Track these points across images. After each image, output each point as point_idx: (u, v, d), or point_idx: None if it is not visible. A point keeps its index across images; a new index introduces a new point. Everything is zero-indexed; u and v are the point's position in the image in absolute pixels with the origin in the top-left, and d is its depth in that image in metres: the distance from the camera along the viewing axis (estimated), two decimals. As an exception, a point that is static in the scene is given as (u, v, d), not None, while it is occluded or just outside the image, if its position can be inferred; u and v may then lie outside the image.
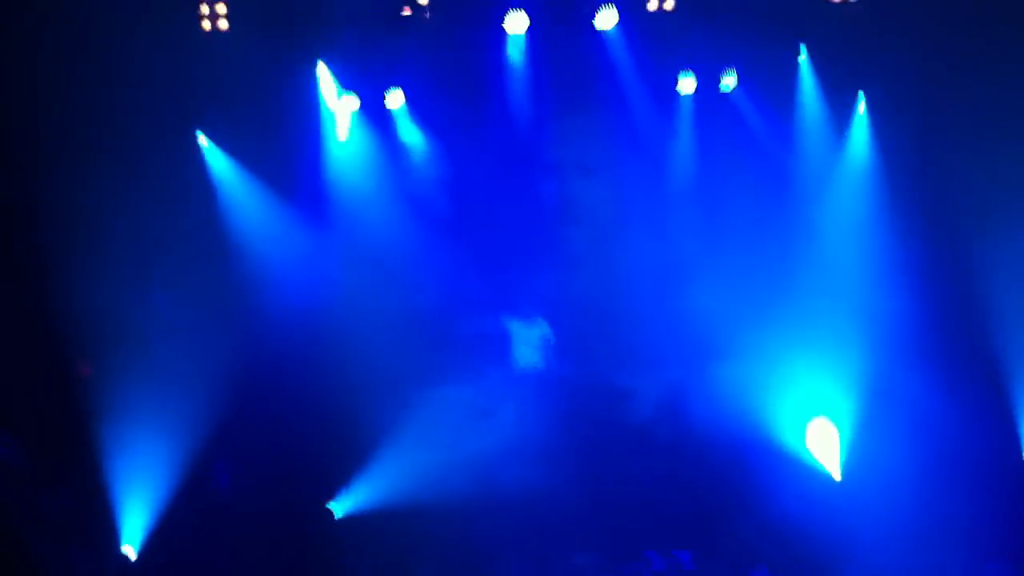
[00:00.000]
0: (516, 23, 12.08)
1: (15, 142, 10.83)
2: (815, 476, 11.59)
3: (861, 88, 12.46)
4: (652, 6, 12.23)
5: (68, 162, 10.99)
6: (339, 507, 11.39)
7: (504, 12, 11.97)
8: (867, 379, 11.60)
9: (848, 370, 11.66)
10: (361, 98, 12.18)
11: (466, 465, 11.20)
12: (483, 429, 11.37)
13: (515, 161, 12.76)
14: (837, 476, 11.62)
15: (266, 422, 11.54)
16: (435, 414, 11.40)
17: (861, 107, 12.48)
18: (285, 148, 11.89)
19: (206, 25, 11.37)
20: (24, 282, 10.85)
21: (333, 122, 12.05)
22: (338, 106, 12.04)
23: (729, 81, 12.74)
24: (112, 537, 10.66)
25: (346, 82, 12.03)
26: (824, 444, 11.67)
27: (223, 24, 11.39)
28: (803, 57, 12.53)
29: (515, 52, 12.35)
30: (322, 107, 12.03)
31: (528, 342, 12.18)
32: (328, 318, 11.72)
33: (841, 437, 11.69)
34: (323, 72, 11.96)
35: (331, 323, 11.70)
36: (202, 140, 11.79)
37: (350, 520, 11.42)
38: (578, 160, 12.68)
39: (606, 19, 12.24)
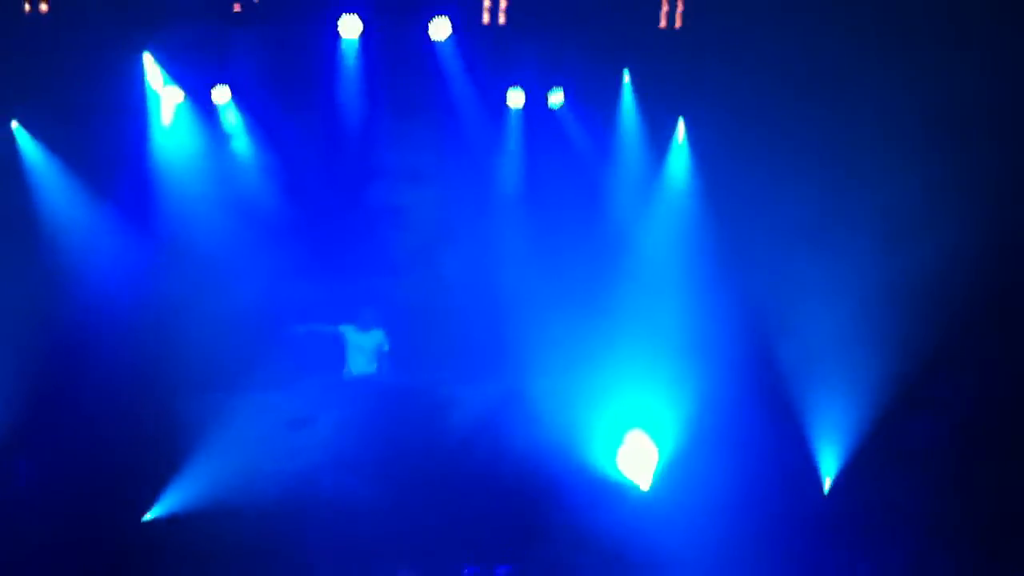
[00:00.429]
0: (350, 27, 12.02)
1: None
2: (628, 490, 11.85)
3: (681, 113, 12.95)
4: (485, 19, 12.34)
5: None
6: (147, 511, 11.02)
7: (338, 15, 11.89)
8: (685, 394, 11.84)
9: (666, 385, 11.88)
10: (186, 91, 11.89)
11: (282, 473, 10.92)
12: (301, 437, 11.18)
13: (344, 164, 12.64)
14: (645, 488, 11.90)
15: (73, 422, 11.05)
16: (253, 419, 11.13)
17: (680, 130, 12.94)
18: (106, 139, 11.42)
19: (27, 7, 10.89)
20: None
21: (158, 113, 11.71)
22: (163, 95, 11.72)
23: (556, 98, 13.05)
24: None
25: (172, 74, 11.72)
26: (638, 458, 11.95)
27: (43, 7, 10.93)
28: (627, 80, 12.92)
29: (348, 56, 12.29)
30: (147, 98, 11.68)
31: (363, 349, 12.09)
32: (144, 315, 11.28)
33: (657, 450, 12.01)
34: (149, 62, 11.62)
35: (148, 320, 11.28)
36: (16, 128, 11.29)
37: (158, 525, 11.05)
38: (407, 166, 12.59)
39: (439, 30, 12.33)
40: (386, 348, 12.20)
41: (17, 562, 10.58)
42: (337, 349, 12.11)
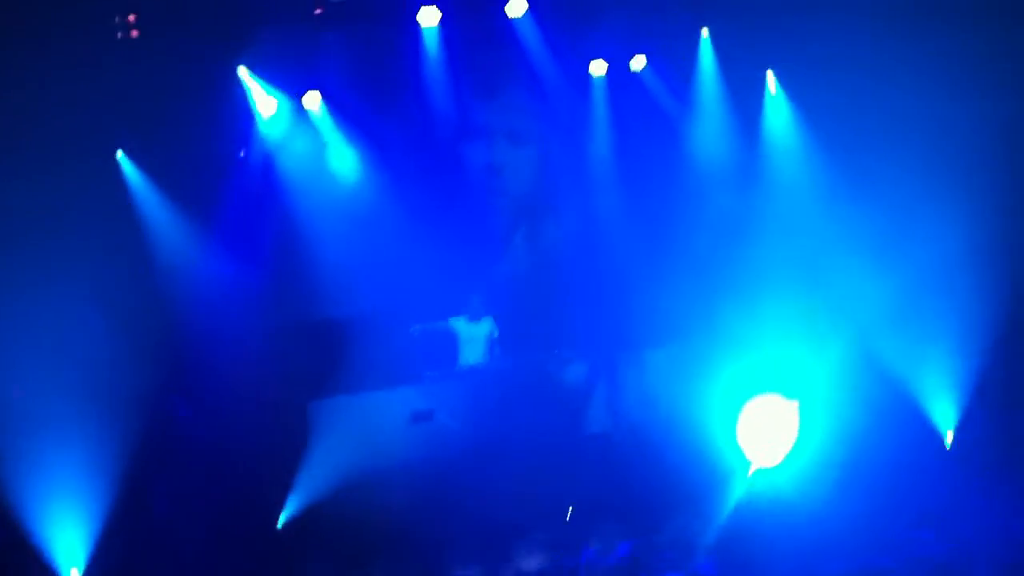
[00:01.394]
0: (429, 16, 12.01)
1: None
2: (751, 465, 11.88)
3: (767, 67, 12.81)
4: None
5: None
6: (281, 511, 11.35)
7: (417, 7, 11.88)
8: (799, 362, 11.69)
9: (782, 351, 11.65)
10: (281, 99, 11.99)
11: (408, 466, 11.27)
12: (423, 430, 11.44)
13: (438, 149, 12.77)
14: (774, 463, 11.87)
15: (206, 430, 11.38)
16: (376, 417, 11.41)
17: (771, 82, 12.78)
18: (210, 155, 11.54)
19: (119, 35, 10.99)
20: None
21: (257, 124, 11.89)
22: (260, 106, 11.89)
23: (638, 63, 12.98)
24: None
25: (265, 83, 11.85)
26: (766, 430, 11.92)
27: (134, 33, 11.00)
28: (705, 37, 12.79)
29: (430, 44, 12.31)
30: (245, 111, 11.81)
31: (474, 340, 12.23)
32: (261, 325, 11.61)
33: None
34: (244, 75, 11.72)
35: (264, 330, 11.59)
36: (120, 158, 11.47)
37: (293, 522, 11.38)
38: (502, 134, 12.94)
39: (516, 6, 12.27)
40: (496, 335, 12.31)
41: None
42: (450, 343, 12.25)
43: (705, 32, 12.82)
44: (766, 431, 11.21)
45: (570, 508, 11.36)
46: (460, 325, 12.23)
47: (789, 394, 11.35)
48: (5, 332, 10.12)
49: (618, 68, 12.96)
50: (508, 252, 13.24)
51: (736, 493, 10.92)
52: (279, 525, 11.13)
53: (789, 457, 11.20)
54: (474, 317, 12.25)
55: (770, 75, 12.83)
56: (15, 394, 10.48)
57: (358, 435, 11.30)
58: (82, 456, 10.33)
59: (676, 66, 12.96)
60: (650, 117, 13.09)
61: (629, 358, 12.02)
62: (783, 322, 11.62)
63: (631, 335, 12.13)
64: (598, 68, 12.93)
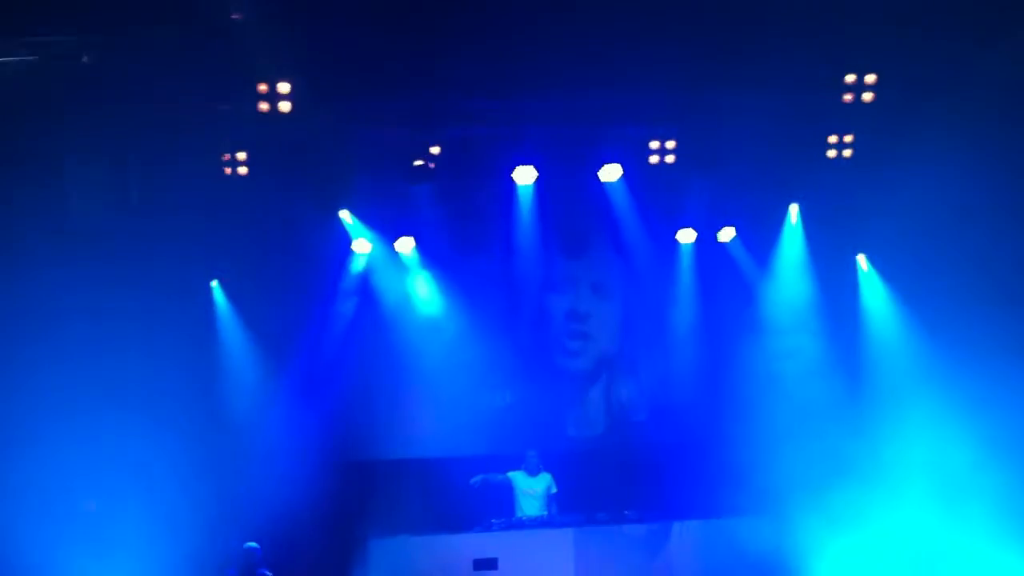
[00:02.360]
0: (525, 176, 12.39)
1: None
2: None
3: (852, 244, 12.87)
4: (654, 160, 12.55)
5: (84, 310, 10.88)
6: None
7: (514, 164, 12.28)
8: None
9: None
10: (376, 242, 12.47)
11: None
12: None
13: (524, 299, 13.12)
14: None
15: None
16: (439, 559, 11.32)
17: (863, 263, 12.87)
18: (300, 292, 12.02)
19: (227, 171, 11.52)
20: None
21: (352, 265, 12.30)
22: (355, 248, 12.34)
23: (726, 235, 13.16)
24: None
25: (364, 226, 12.33)
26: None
27: (242, 170, 11.51)
28: (794, 213, 12.93)
29: (523, 200, 12.67)
30: (343, 251, 12.29)
31: (533, 494, 12.16)
32: (332, 461, 11.77)
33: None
34: (346, 217, 12.21)
35: (335, 466, 11.75)
36: (215, 287, 11.93)
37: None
38: (587, 286, 13.28)
39: (610, 173, 12.61)
40: (554, 490, 12.17)
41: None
42: (508, 495, 12.19)
43: (793, 208, 12.95)
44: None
45: None
46: (518, 478, 12.19)
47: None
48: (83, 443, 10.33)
49: (706, 238, 13.16)
50: (583, 409, 13.33)
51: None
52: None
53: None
54: (533, 471, 12.19)
55: (862, 258, 12.84)
56: (89, 507, 10.69)
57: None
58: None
59: (764, 241, 13.08)
60: (735, 288, 13.17)
61: (701, 524, 11.75)
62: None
63: (702, 501, 11.92)
64: (686, 236, 13.15)
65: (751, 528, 11.73)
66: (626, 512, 11.85)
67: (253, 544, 10.96)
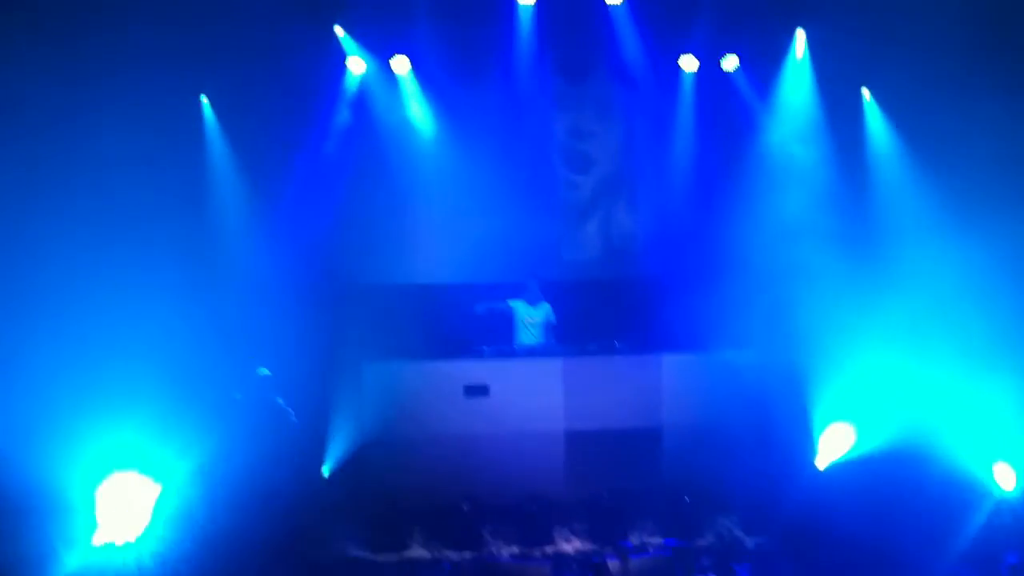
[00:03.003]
0: (526, -9, 11.89)
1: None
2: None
3: (861, 75, 12.45)
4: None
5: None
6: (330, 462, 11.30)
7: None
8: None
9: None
10: (370, 60, 12.01)
11: (457, 441, 11.04)
12: (476, 403, 11.37)
13: (522, 126, 12.74)
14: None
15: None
16: (432, 385, 11.37)
17: (866, 95, 12.42)
18: (294, 112, 11.57)
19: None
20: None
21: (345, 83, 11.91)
22: (350, 66, 11.92)
23: (730, 63, 12.77)
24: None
25: (357, 44, 11.85)
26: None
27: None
28: (800, 40, 12.50)
29: (524, 20, 12.16)
30: (336, 71, 11.88)
31: (532, 322, 12.08)
32: (325, 284, 11.55)
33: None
34: (340, 33, 11.74)
35: (327, 290, 11.53)
36: (204, 103, 11.47)
37: (338, 475, 11.25)
38: (591, 106, 13.00)
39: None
40: (553, 320, 12.17)
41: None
42: (509, 324, 12.14)
43: (800, 33, 12.50)
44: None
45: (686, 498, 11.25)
46: (519, 307, 12.11)
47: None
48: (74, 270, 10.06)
49: (709, 65, 12.77)
50: (580, 235, 13.21)
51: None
52: (325, 474, 11.11)
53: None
54: (533, 301, 12.13)
55: (865, 92, 12.49)
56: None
57: (410, 401, 11.21)
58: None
59: (769, 69, 12.69)
60: (737, 118, 12.86)
61: (691, 357, 11.78)
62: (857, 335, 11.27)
63: (695, 334, 11.91)
64: (689, 64, 12.76)
65: (740, 361, 11.81)
66: (616, 343, 11.87)
67: (265, 371, 10.91)
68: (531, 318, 12.10)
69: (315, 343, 11.11)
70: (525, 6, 12.08)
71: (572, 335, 12.14)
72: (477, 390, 11.31)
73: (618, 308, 12.70)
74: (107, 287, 9.67)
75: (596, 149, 13.24)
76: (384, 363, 11.34)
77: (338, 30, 11.73)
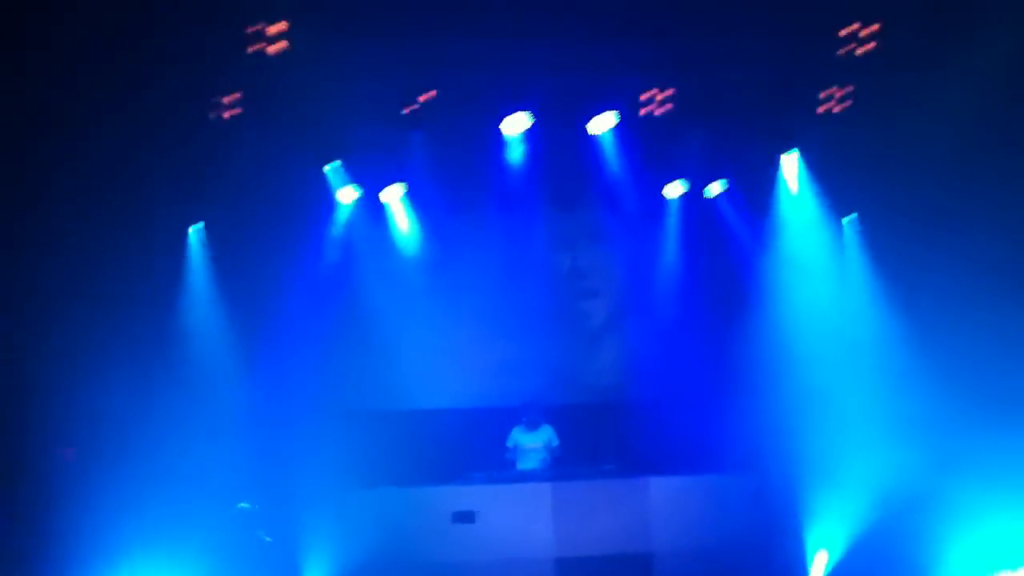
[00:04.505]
0: (515, 124, 12.01)
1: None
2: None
3: (846, 197, 12.54)
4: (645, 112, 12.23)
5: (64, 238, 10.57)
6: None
7: (503, 114, 11.90)
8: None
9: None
10: (362, 190, 12.18)
11: (445, 570, 10.87)
12: (465, 531, 11.24)
13: (516, 249, 12.92)
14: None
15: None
16: (419, 512, 11.28)
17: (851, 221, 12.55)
18: (283, 241, 11.75)
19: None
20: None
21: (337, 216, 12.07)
22: (341, 197, 12.07)
23: (715, 189, 12.91)
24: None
25: (349, 174, 12.03)
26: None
27: (226, 115, 11.00)
28: (786, 166, 12.62)
29: (514, 151, 12.34)
30: (328, 204, 12.06)
31: (532, 448, 12.11)
32: (315, 410, 11.61)
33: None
34: (332, 169, 11.94)
35: (317, 415, 11.56)
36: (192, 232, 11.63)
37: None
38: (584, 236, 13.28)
39: (601, 124, 12.19)
40: (556, 443, 12.11)
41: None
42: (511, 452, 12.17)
43: (784, 159, 12.54)
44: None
45: None
46: (519, 436, 12.10)
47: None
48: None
49: (695, 192, 12.90)
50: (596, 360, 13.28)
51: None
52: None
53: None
54: (532, 426, 12.08)
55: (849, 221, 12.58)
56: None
57: (397, 528, 11.08)
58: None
59: (755, 195, 12.82)
60: (725, 241, 12.96)
61: (680, 480, 11.68)
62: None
63: (687, 457, 11.85)
64: (674, 190, 12.89)
65: (732, 485, 11.70)
66: (605, 466, 11.79)
67: (246, 505, 10.84)
68: (532, 444, 12.04)
69: (305, 473, 11.06)
70: (513, 137, 12.23)
71: (568, 458, 12.08)
72: (465, 516, 11.20)
73: (616, 431, 12.70)
74: (87, 421, 9.75)
75: (600, 281, 13.40)
76: (371, 491, 11.24)
77: (329, 167, 11.90)
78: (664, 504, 11.45)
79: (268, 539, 10.73)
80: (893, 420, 11.30)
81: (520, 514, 11.23)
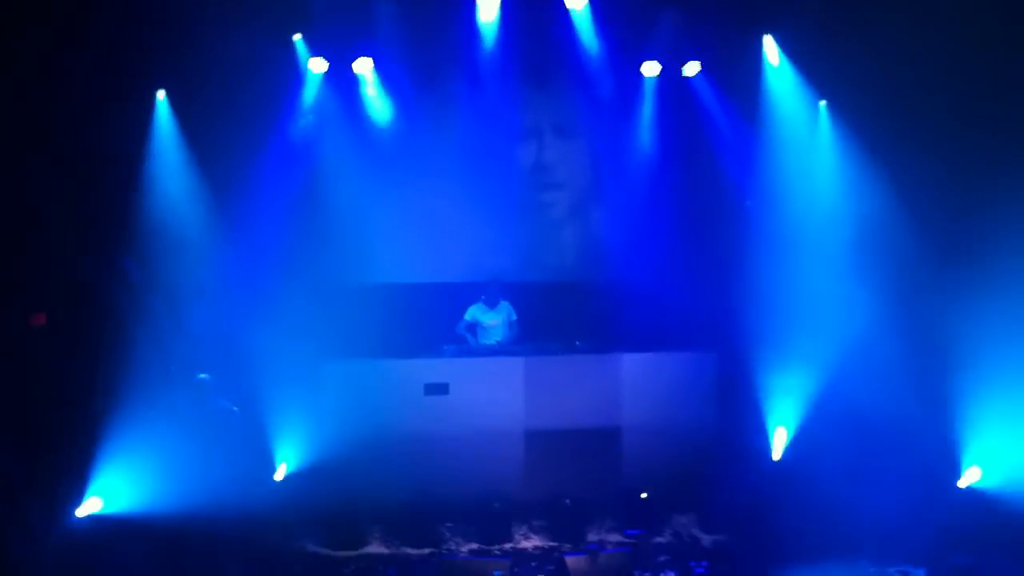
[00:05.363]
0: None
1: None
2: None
3: (821, 83, 12.39)
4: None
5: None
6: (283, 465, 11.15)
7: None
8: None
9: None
10: (331, 62, 11.90)
11: (416, 439, 10.87)
12: (435, 402, 11.26)
13: (486, 128, 12.68)
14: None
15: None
16: (392, 383, 11.28)
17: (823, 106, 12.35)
18: (251, 113, 11.41)
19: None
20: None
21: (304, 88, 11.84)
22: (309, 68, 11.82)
23: (691, 69, 12.76)
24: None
25: (318, 46, 11.76)
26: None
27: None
28: (766, 48, 12.47)
29: (486, 26, 12.10)
30: (295, 77, 11.82)
31: (491, 324, 12.09)
32: (287, 284, 11.44)
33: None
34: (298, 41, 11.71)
35: (289, 289, 11.35)
36: (160, 100, 11.33)
37: (293, 478, 10.94)
38: (550, 129, 13.11)
39: (576, -1, 12.01)
40: (514, 318, 12.12)
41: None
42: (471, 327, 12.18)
43: (766, 40, 12.35)
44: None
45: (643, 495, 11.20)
46: (477, 312, 12.10)
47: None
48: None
49: (671, 71, 12.75)
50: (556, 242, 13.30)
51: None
52: (283, 472, 10.94)
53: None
54: (491, 303, 12.08)
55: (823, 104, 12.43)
56: None
57: (369, 399, 11.09)
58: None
59: (731, 76, 12.67)
60: (699, 122, 12.82)
61: (651, 356, 11.74)
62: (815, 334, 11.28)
63: (657, 335, 11.89)
64: (651, 69, 12.76)
65: (699, 363, 11.79)
66: (577, 343, 11.83)
67: (204, 375, 10.77)
68: (491, 321, 12.05)
69: (274, 343, 11.00)
70: (487, 10, 12.01)
71: (536, 335, 12.07)
72: (437, 388, 11.23)
73: (584, 311, 12.63)
74: (60, 287, 9.66)
75: (564, 174, 13.28)
76: (342, 362, 11.22)
77: (297, 37, 11.67)
78: (633, 380, 11.50)
79: (235, 409, 10.65)
80: (860, 298, 11.33)
81: (493, 387, 11.26)
